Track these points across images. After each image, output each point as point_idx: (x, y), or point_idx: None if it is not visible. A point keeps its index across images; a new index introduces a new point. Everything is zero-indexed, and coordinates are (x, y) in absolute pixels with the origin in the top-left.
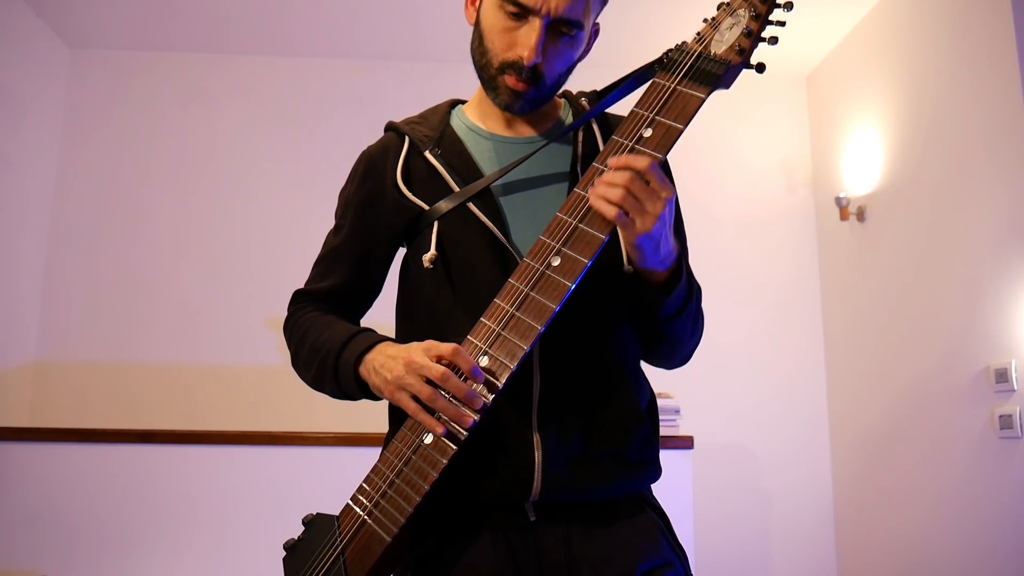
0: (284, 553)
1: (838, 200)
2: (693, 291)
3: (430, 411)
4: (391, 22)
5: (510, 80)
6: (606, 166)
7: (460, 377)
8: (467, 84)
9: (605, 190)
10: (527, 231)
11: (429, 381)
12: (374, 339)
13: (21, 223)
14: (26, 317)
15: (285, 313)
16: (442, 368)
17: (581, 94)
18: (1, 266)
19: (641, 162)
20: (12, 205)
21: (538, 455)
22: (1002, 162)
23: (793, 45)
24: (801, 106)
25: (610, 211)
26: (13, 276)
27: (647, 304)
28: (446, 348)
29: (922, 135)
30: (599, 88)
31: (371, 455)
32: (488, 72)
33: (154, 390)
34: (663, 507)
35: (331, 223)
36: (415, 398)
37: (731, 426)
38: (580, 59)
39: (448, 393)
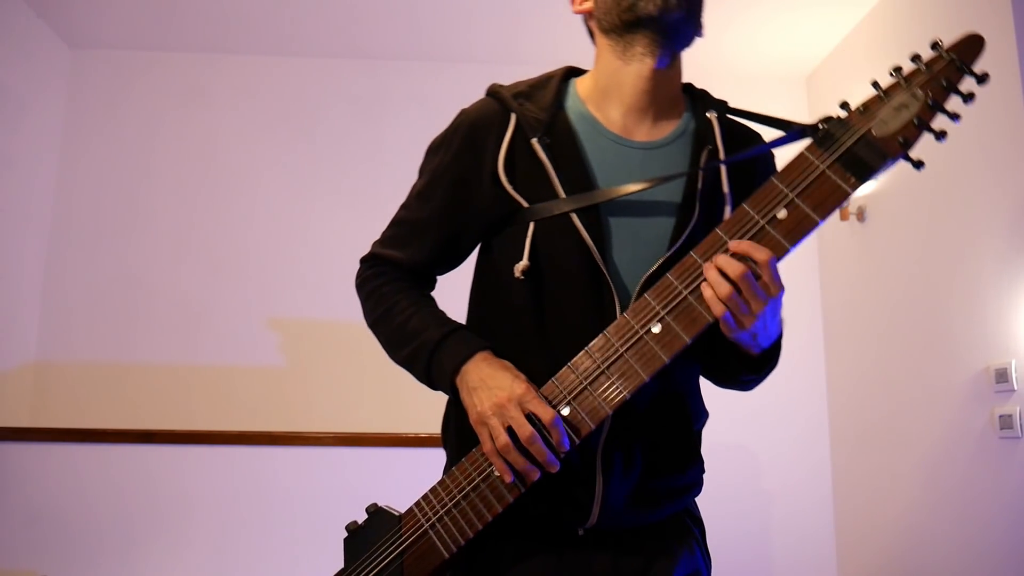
0: (345, 534)
1: None
2: (777, 358)
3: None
4: (391, 22)
5: None
6: (726, 242)
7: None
8: (467, 84)
9: (716, 281)
10: (624, 256)
11: (510, 430)
12: (472, 347)
13: (21, 223)
14: (26, 317)
15: (286, 313)
16: (532, 431)
17: (704, 94)
18: (1, 266)
19: (761, 254)
20: (12, 205)
21: (599, 488)
22: (1002, 162)
23: (793, 45)
24: (801, 106)
25: (717, 308)
26: (13, 276)
27: (731, 365)
28: (545, 413)
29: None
30: (722, 97)
31: (371, 455)
32: None
33: (154, 390)
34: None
35: (331, 222)
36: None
37: (731, 426)
38: None
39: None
